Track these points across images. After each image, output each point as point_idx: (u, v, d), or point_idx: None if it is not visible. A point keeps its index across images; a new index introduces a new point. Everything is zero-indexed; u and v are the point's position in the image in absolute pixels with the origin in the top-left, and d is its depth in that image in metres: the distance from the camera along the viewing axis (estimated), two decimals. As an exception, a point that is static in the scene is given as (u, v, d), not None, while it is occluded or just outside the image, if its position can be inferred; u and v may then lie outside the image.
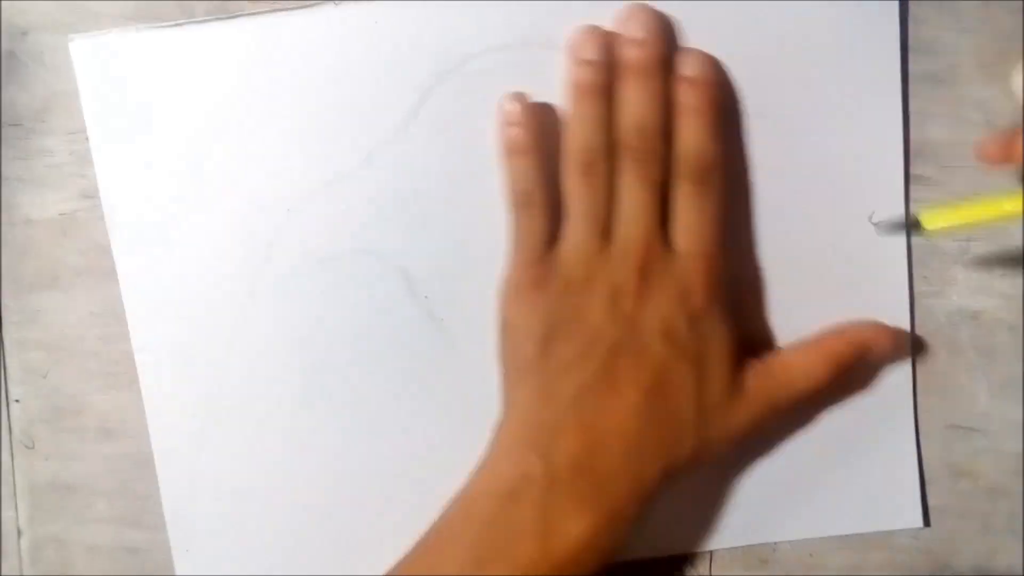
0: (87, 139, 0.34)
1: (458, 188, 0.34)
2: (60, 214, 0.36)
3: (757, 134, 0.34)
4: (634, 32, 0.32)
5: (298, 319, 0.35)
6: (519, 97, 0.33)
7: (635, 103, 0.31)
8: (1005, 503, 0.36)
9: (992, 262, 0.36)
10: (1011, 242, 0.36)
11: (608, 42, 0.32)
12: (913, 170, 0.35)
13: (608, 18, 0.33)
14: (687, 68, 0.32)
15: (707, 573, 0.37)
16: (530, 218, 0.32)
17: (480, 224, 0.34)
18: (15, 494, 0.36)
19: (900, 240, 0.35)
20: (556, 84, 0.34)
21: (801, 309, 0.35)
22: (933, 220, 0.32)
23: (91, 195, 0.35)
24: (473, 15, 0.33)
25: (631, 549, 0.36)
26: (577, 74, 0.32)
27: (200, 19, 0.34)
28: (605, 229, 0.32)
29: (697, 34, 0.33)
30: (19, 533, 0.37)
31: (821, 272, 0.35)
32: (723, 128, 0.33)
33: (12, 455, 0.36)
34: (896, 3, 0.34)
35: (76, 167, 0.35)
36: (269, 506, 0.36)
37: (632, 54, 0.32)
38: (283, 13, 0.34)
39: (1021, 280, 0.36)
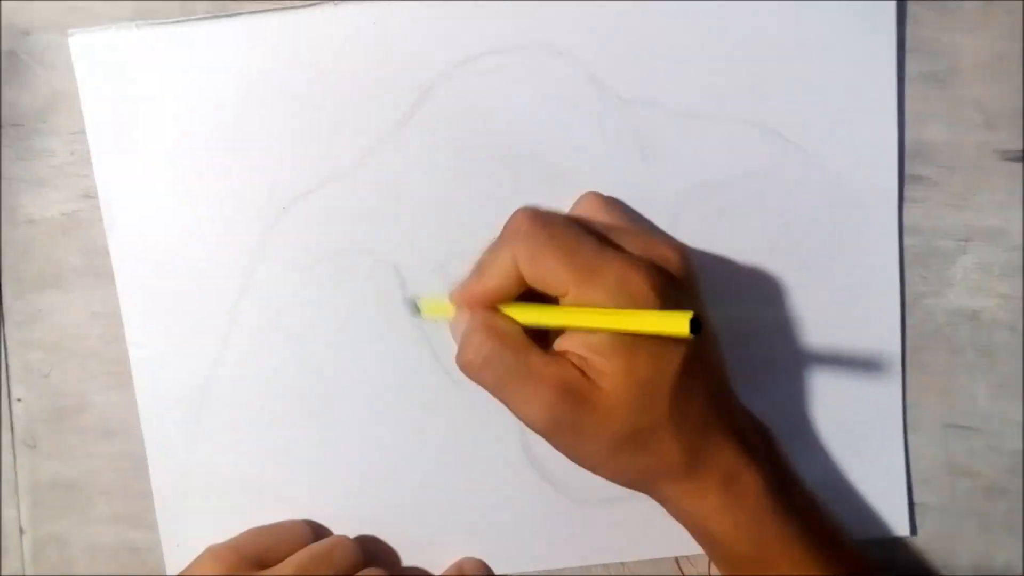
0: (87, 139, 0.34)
1: (453, 189, 0.34)
2: (61, 214, 0.36)
3: (753, 134, 0.34)
4: None
5: (291, 318, 0.35)
6: None
7: None
8: (1004, 502, 0.36)
9: (992, 262, 0.36)
10: (1011, 242, 0.36)
11: None
12: (912, 170, 0.35)
13: (607, 18, 0.33)
14: None
15: (706, 573, 0.37)
16: None
17: (474, 225, 0.34)
18: (17, 493, 0.37)
19: (893, 241, 0.35)
20: (554, 87, 0.34)
21: (795, 307, 0.35)
22: (430, 309, 0.34)
23: (92, 195, 0.35)
24: (473, 17, 0.33)
25: (633, 550, 0.36)
26: None
27: (199, 17, 0.34)
28: None
29: (695, 34, 0.34)
30: (21, 532, 0.37)
31: (813, 270, 0.35)
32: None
33: (14, 454, 0.36)
34: (893, 3, 0.34)
35: (77, 167, 0.35)
36: (260, 505, 0.36)
37: None
38: (283, 12, 0.34)
39: (1020, 280, 0.36)
